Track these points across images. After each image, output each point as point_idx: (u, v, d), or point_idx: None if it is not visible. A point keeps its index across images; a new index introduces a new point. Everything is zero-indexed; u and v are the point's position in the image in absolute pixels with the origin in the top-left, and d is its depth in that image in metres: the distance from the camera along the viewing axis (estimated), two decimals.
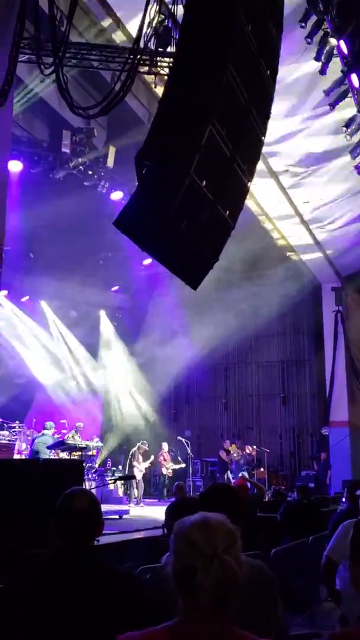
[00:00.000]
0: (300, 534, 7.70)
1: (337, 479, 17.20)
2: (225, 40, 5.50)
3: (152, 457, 17.48)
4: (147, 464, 17.11)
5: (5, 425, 15.21)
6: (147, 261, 17.84)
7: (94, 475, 15.51)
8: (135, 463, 16.80)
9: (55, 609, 2.22)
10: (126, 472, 16.81)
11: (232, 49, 5.57)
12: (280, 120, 11.34)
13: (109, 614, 2.23)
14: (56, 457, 13.50)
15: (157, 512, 14.04)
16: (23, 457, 14.49)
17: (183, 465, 18.32)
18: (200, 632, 1.58)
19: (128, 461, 17.31)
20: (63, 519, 2.46)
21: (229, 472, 17.30)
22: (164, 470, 17.98)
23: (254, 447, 18.35)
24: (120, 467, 17.96)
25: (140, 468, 16.72)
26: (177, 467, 18.33)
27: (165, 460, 18.08)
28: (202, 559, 1.57)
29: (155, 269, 17.66)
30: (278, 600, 2.60)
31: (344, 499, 8.56)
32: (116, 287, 21.06)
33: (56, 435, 14.65)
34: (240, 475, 16.37)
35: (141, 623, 1.70)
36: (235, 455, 17.54)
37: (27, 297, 18.66)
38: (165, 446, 18.36)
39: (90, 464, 15.49)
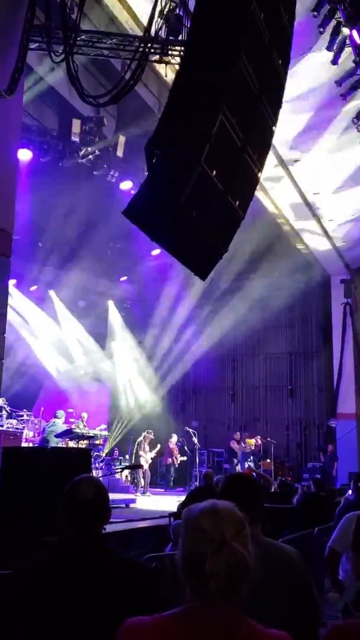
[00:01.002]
0: (314, 525, 7.72)
1: (343, 471, 17.21)
2: (237, 29, 5.46)
3: (159, 446, 17.52)
4: (153, 453, 17.16)
5: (13, 413, 15.28)
6: (156, 251, 17.82)
7: (101, 464, 15.60)
8: (141, 452, 16.85)
9: (63, 596, 2.23)
10: (133, 461, 16.88)
11: (243, 38, 5.54)
12: (292, 111, 11.27)
13: (116, 602, 2.24)
14: (64, 446, 13.58)
15: (163, 502, 14.12)
16: (31, 445, 14.58)
17: (185, 458, 18.40)
18: (207, 619, 1.58)
19: (135, 450, 17.37)
20: (70, 506, 2.46)
21: (238, 463, 17.30)
22: (175, 461, 18.06)
23: (259, 437, 18.37)
24: (127, 456, 18.05)
25: (146, 457, 16.77)
26: (183, 459, 18.42)
27: (176, 450, 18.17)
28: (210, 545, 1.57)
29: (163, 260, 17.66)
30: (311, 588, 2.64)
31: (350, 491, 8.55)
32: (125, 277, 21.05)
33: (64, 425, 14.72)
34: (246, 466, 16.42)
35: (148, 611, 1.71)
36: (247, 447, 17.57)
37: (36, 287, 18.69)
38: (174, 437, 18.43)
39: (97, 453, 15.57)
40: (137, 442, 17.34)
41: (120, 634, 1.64)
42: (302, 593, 2.57)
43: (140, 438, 17.18)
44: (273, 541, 2.71)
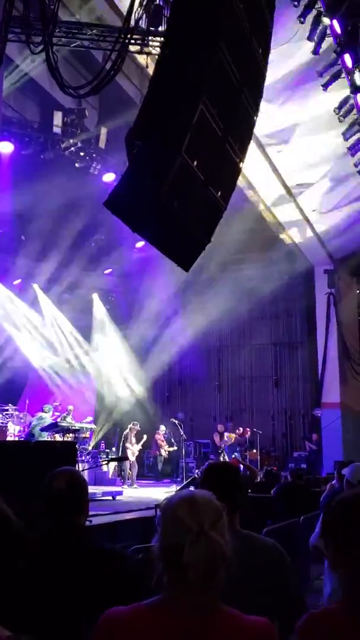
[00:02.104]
0: (292, 514, 7.77)
1: (329, 460, 17.33)
2: (216, 18, 5.44)
3: (145, 438, 17.53)
4: (139, 445, 17.16)
5: None
6: (140, 244, 17.78)
7: (87, 457, 15.60)
8: (128, 445, 16.84)
9: (44, 588, 2.23)
10: (120, 454, 16.87)
11: (223, 27, 5.52)
12: (273, 101, 11.26)
13: (98, 593, 2.24)
14: (51, 440, 13.55)
15: (150, 494, 14.14)
16: (16, 439, 14.54)
17: (175, 448, 18.45)
18: (186, 608, 1.59)
19: (121, 443, 17.36)
20: (45, 499, 2.48)
21: (224, 454, 17.36)
22: (162, 452, 18.10)
23: (247, 429, 18.48)
24: (113, 449, 18.05)
25: (133, 450, 16.77)
26: (171, 449, 18.46)
27: (162, 442, 18.20)
28: (188, 535, 1.58)
29: (148, 252, 17.59)
30: (290, 579, 2.68)
31: (335, 480, 8.62)
32: (109, 270, 20.99)
33: (51, 418, 14.70)
34: (232, 456, 16.48)
35: (131, 601, 1.71)
36: (227, 440, 17.65)
37: (19, 280, 18.58)
38: (162, 428, 18.46)
39: (83, 446, 15.56)
40: (123, 435, 17.33)
41: (98, 625, 1.64)
42: (282, 583, 2.59)
43: (127, 430, 17.18)
44: (250, 533, 2.72)
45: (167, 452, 18.26)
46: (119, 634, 1.58)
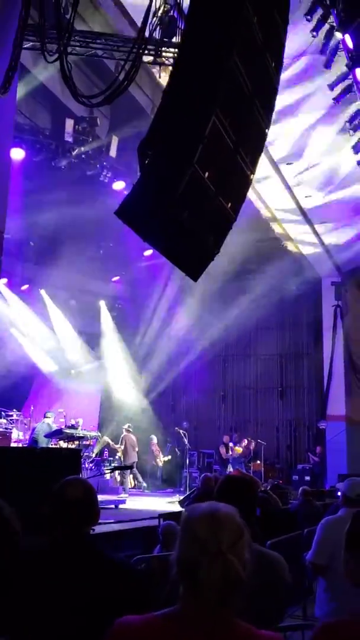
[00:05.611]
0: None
1: (333, 473, 17.26)
2: (231, 30, 5.48)
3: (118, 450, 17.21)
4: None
5: (2, 413, 15.26)
6: (148, 252, 17.83)
7: (90, 464, 15.56)
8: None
9: (52, 596, 2.23)
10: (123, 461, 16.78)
11: (237, 39, 5.55)
12: (284, 113, 11.30)
13: (106, 603, 2.23)
14: (55, 446, 13.56)
15: (153, 503, 14.10)
16: (20, 445, 14.54)
17: (169, 457, 18.38)
18: (201, 622, 1.57)
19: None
20: (57, 506, 2.47)
21: (229, 465, 17.30)
22: (158, 461, 18.00)
23: (251, 440, 18.41)
24: (117, 457, 17.98)
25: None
26: (165, 459, 18.37)
27: (156, 452, 18.10)
28: (205, 554, 1.55)
29: (156, 260, 17.66)
30: (286, 588, 2.88)
31: (339, 493, 8.59)
32: (117, 278, 21.03)
33: (55, 425, 14.70)
34: (235, 468, 16.42)
35: (138, 613, 1.70)
36: (234, 454, 17.63)
37: (27, 286, 18.61)
38: (154, 438, 18.39)
39: (87, 454, 15.52)
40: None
41: (111, 633, 1.62)
42: (282, 597, 2.84)
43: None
44: (262, 549, 2.75)
45: (161, 462, 18.13)
46: None
